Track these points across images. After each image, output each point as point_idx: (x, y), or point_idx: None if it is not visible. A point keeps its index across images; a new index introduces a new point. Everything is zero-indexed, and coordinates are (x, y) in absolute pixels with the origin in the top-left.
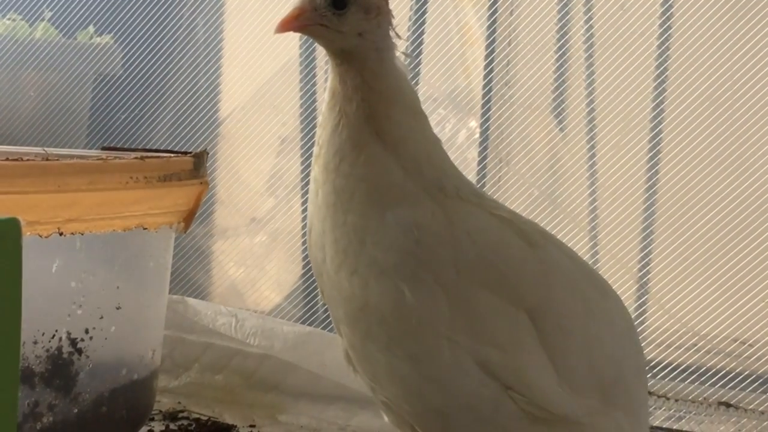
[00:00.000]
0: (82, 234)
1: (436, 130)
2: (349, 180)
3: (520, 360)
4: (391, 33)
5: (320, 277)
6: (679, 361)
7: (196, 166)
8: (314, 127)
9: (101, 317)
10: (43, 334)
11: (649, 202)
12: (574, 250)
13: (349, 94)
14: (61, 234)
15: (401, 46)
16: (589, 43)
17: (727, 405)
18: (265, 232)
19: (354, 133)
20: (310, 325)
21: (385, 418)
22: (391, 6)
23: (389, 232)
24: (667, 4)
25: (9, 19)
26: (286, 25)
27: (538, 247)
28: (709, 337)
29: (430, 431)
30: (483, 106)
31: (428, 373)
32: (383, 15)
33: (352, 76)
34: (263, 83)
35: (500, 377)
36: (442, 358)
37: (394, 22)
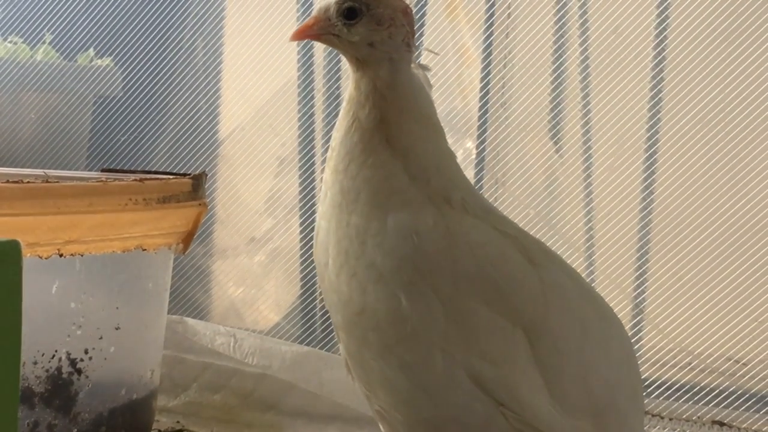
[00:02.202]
0: (82, 255)
1: None
2: (355, 181)
3: (513, 377)
4: (405, 45)
5: (322, 281)
6: (674, 380)
7: (195, 187)
8: (312, 147)
9: (100, 338)
10: (42, 355)
11: (643, 222)
12: None
13: (362, 101)
14: (60, 255)
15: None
16: (584, 65)
17: (721, 424)
18: (264, 251)
19: (365, 137)
20: (308, 343)
21: (381, 429)
22: None
23: (389, 235)
24: (661, 28)
25: (10, 42)
26: (301, 34)
27: (539, 265)
28: (703, 356)
29: None
30: (479, 127)
31: (420, 382)
32: (396, 27)
33: (365, 83)
34: (261, 105)
35: (492, 393)
36: (435, 368)
37: (411, 35)
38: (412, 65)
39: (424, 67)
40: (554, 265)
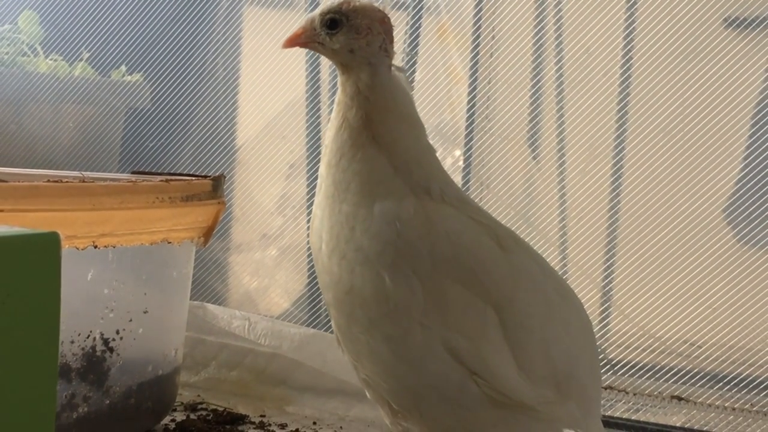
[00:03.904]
0: (114, 247)
1: None
2: (346, 174)
3: (484, 349)
4: (382, 50)
5: (317, 263)
6: (637, 360)
7: (215, 188)
8: (318, 154)
9: (130, 320)
10: (79, 335)
11: (611, 220)
12: None
13: (348, 102)
14: (95, 247)
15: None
16: (559, 81)
17: (679, 398)
18: (275, 246)
19: (353, 134)
20: (314, 326)
21: (367, 395)
22: None
23: (375, 222)
24: (627, 49)
25: (51, 59)
26: (291, 42)
27: (508, 251)
28: (663, 339)
29: (402, 407)
30: (466, 137)
31: (401, 353)
32: (373, 35)
33: (350, 86)
34: (274, 116)
35: (466, 363)
36: (415, 341)
37: (389, 41)
38: (393, 68)
39: (402, 70)
40: (522, 251)
